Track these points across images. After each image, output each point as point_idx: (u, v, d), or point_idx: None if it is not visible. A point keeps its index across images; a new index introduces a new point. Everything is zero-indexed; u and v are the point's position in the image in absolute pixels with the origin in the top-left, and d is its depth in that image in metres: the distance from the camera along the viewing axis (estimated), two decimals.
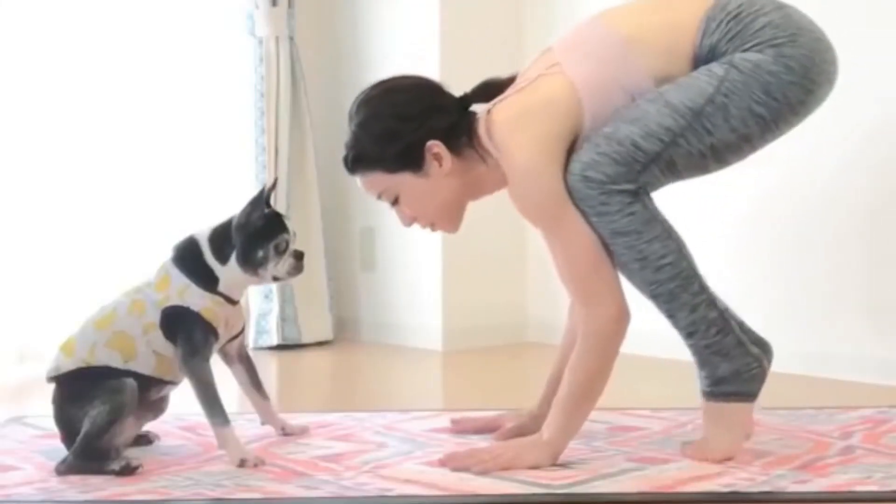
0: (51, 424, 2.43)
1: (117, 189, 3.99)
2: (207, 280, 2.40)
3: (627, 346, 3.78)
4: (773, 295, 3.49)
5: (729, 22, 2.27)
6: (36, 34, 3.82)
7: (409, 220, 2.47)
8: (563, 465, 2.29)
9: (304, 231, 4.23)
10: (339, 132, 4.42)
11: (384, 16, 4.28)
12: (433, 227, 2.50)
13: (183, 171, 4.08)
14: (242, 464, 2.33)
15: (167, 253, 2.46)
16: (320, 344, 4.25)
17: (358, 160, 2.42)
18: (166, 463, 2.39)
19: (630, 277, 2.30)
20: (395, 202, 2.44)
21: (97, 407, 2.31)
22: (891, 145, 3.29)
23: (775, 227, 3.50)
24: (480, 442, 2.53)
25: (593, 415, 2.71)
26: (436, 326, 4.12)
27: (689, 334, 2.30)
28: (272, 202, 2.50)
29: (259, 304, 4.20)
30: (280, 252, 2.42)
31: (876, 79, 3.28)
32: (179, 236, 2.48)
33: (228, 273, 2.42)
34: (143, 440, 2.53)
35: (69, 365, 2.38)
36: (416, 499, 2.14)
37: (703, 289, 2.30)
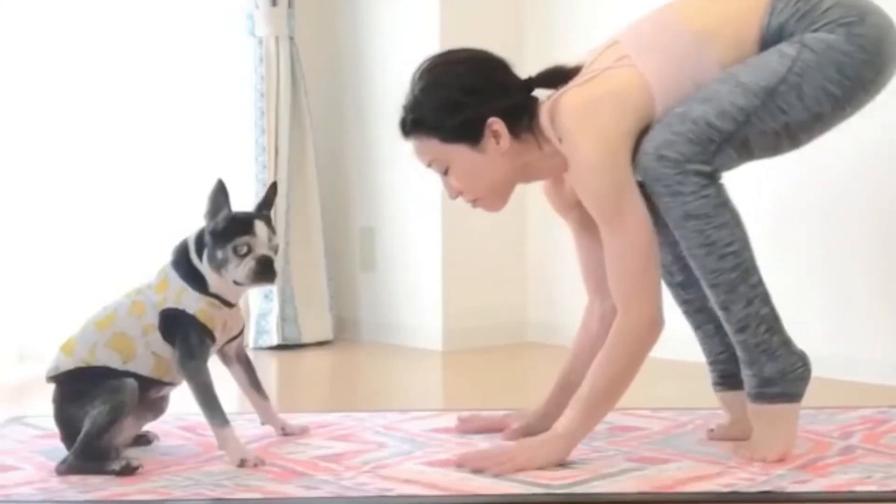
0: (51, 424, 2.44)
1: (117, 189, 3.99)
2: (200, 282, 2.40)
3: None
4: (773, 295, 3.48)
5: (798, 2, 2.28)
6: (36, 35, 3.82)
7: (455, 193, 2.43)
8: (564, 465, 2.28)
9: (304, 231, 4.24)
10: (340, 132, 4.45)
11: (384, 16, 4.28)
12: (477, 202, 2.45)
13: (183, 171, 4.08)
14: (242, 464, 2.33)
15: (167, 256, 2.47)
16: (320, 344, 4.25)
17: (417, 124, 2.38)
18: (166, 463, 2.39)
19: (694, 263, 2.29)
20: (445, 172, 2.41)
21: (97, 406, 2.31)
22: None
23: (775, 228, 3.50)
24: (482, 442, 2.52)
25: None
26: (436, 326, 4.12)
27: (740, 329, 2.29)
28: (265, 204, 2.49)
29: (259, 304, 4.20)
30: (240, 255, 2.36)
31: None
32: (178, 237, 2.48)
33: (211, 274, 2.41)
34: (143, 440, 2.53)
35: (69, 364, 2.38)
36: (416, 499, 2.14)
37: (761, 283, 2.30)
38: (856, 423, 2.65)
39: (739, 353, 2.33)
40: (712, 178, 2.26)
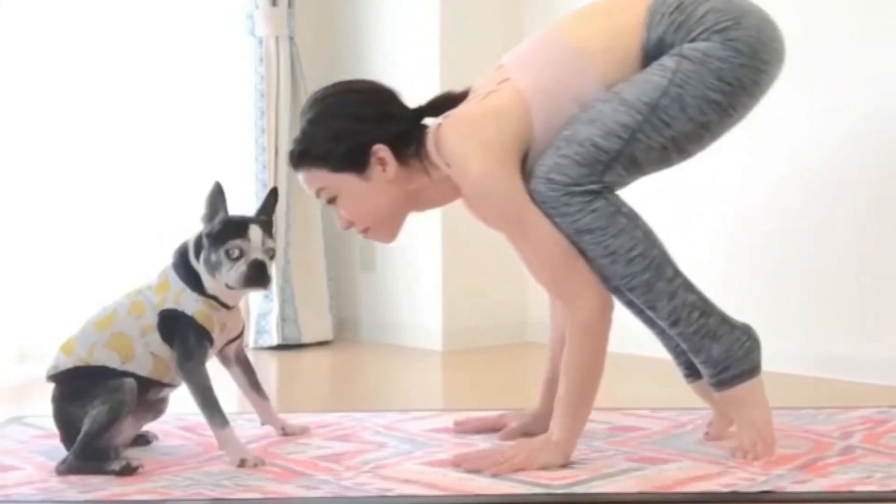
0: (51, 424, 2.44)
1: (117, 189, 3.99)
2: (198, 284, 2.41)
3: (626, 346, 3.79)
4: (772, 295, 3.49)
5: (672, 13, 2.29)
6: (36, 35, 3.83)
7: (345, 223, 2.44)
8: (563, 465, 2.28)
9: (304, 231, 4.24)
10: None
11: (384, 16, 4.28)
12: (367, 233, 2.46)
13: (183, 172, 4.08)
14: (243, 464, 2.33)
15: (169, 257, 2.47)
16: (320, 344, 4.25)
17: (304, 155, 2.40)
18: (166, 463, 2.39)
19: (602, 274, 2.30)
20: (331, 201, 2.42)
21: (97, 406, 2.31)
22: (893, 143, 3.29)
23: (775, 228, 3.50)
24: (482, 442, 2.53)
25: (593, 415, 2.70)
26: (436, 326, 4.12)
27: (673, 323, 2.31)
28: (264, 209, 2.50)
29: (259, 304, 4.20)
30: (232, 258, 2.37)
31: (874, 72, 3.28)
32: (179, 238, 2.48)
33: (207, 276, 2.41)
34: (141, 440, 2.53)
35: (67, 364, 2.39)
36: (416, 499, 2.14)
37: (678, 273, 2.30)
38: (856, 423, 2.65)
39: (683, 345, 2.34)
40: (598, 193, 2.26)
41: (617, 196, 2.30)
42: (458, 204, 2.49)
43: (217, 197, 2.40)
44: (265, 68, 4.15)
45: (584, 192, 2.25)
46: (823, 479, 2.18)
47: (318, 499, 2.14)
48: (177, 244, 2.47)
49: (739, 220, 3.60)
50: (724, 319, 2.33)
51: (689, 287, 2.31)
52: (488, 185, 2.28)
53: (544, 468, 2.26)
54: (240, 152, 4.18)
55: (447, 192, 2.40)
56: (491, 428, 2.62)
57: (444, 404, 3.31)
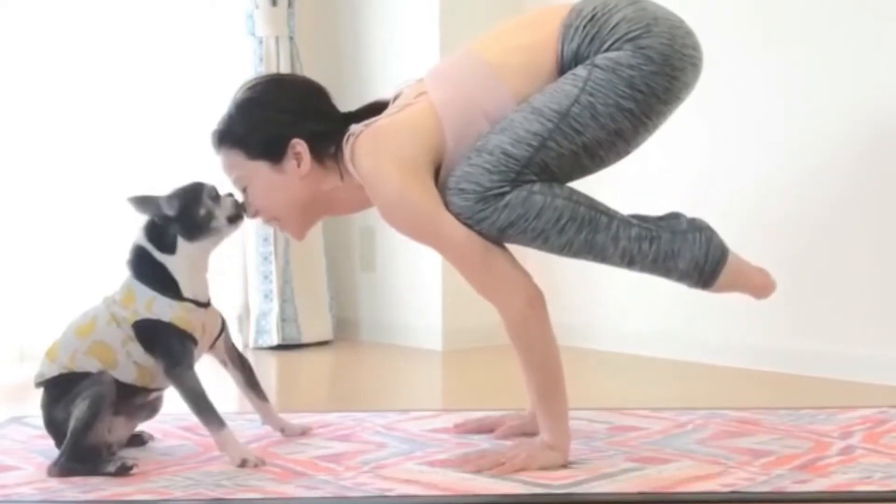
0: None
1: (117, 189, 3.99)
2: (170, 288, 2.39)
3: (626, 347, 3.78)
4: (772, 295, 3.48)
5: (586, 26, 2.29)
6: (36, 35, 3.82)
7: (252, 212, 2.47)
8: (563, 465, 2.28)
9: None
10: None
11: (384, 16, 4.28)
12: (277, 224, 2.49)
13: (183, 172, 4.07)
14: (244, 464, 2.33)
15: (124, 269, 2.46)
16: (320, 344, 4.25)
17: (223, 137, 2.44)
18: (166, 463, 2.39)
19: (544, 250, 2.30)
20: (244, 189, 2.45)
21: (78, 405, 2.31)
22: (893, 143, 3.30)
23: (775, 227, 3.50)
24: (482, 442, 2.53)
25: (593, 415, 2.71)
26: (436, 326, 4.12)
27: (629, 262, 2.29)
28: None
29: (259, 304, 4.20)
30: (215, 198, 2.43)
31: (877, 77, 3.29)
32: (126, 251, 2.47)
33: (180, 263, 2.41)
34: (137, 440, 2.53)
35: (53, 371, 2.38)
36: (416, 499, 2.14)
37: (612, 216, 2.28)
38: (856, 423, 2.65)
39: (654, 274, 2.32)
40: (508, 191, 2.25)
41: (525, 184, 2.27)
42: None
43: (190, 190, 2.44)
44: (265, 68, 4.15)
45: (496, 195, 2.25)
46: (823, 479, 2.18)
47: (318, 499, 2.14)
48: (125, 256, 2.46)
49: (739, 219, 3.60)
50: (672, 231, 2.30)
51: (628, 222, 2.29)
52: (399, 204, 2.29)
53: (545, 468, 2.26)
54: None
55: (360, 199, 2.40)
56: (491, 428, 2.62)
57: (444, 404, 3.31)
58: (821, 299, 3.43)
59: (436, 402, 3.35)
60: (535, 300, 2.31)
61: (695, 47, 2.32)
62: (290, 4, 4.21)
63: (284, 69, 4.16)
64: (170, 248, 2.41)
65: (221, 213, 2.44)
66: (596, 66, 2.26)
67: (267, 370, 3.77)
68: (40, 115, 3.84)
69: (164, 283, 2.40)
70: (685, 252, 2.29)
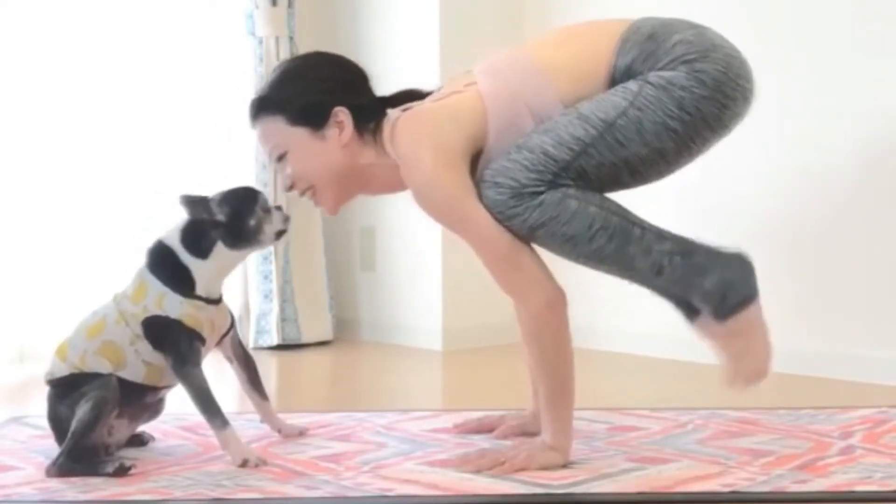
0: None
1: (117, 189, 3.99)
2: (184, 285, 2.39)
3: (626, 346, 3.79)
4: (772, 295, 3.48)
5: (643, 42, 2.29)
6: (37, 35, 3.82)
7: (289, 181, 2.45)
8: (563, 465, 2.28)
9: (304, 231, 4.24)
10: None
11: (384, 16, 4.28)
12: (312, 194, 2.45)
13: (183, 172, 4.08)
14: (245, 464, 2.33)
15: (140, 259, 2.45)
16: (320, 344, 4.25)
17: (264, 103, 2.44)
18: (166, 463, 2.39)
19: (570, 258, 2.29)
20: (281, 158, 2.43)
21: (82, 406, 2.31)
22: (893, 143, 3.30)
23: (775, 227, 3.50)
24: (483, 442, 2.53)
25: (593, 415, 2.71)
26: (436, 326, 4.12)
27: (657, 273, 2.26)
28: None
29: (259, 304, 4.20)
30: (267, 210, 2.44)
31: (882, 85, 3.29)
32: (148, 242, 2.46)
33: (210, 267, 2.40)
34: (137, 440, 2.53)
35: (63, 370, 2.39)
36: (416, 499, 2.14)
37: (645, 229, 2.27)
38: (856, 423, 2.65)
39: (677, 291, 2.30)
40: (543, 192, 2.24)
41: (562, 187, 2.26)
42: None
43: (245, 199, 2.44)
44: (265, 68, 4.15)
45: (531, 193, 2.24)
46: (823, 479, 2.18)
47: (318, 499, 2.14)
48: (149, 245, 2.45)
49: (740, 219, 3.60)
50: (710, 252, 2.28)
51: (661, 236, 2.27)
52: (432, 189, 2.29)
53: (545, 468, 2.26)
54: (239, 152, 4.17)
55: (395, 180, 2.38)
56: (491, 428, 2.62)
57: (444, 404, 3.31)
58: (821, 299, 3.43)
59: (436, 402, 3.35)
60: (556, 303, 2.29)
61: (749, 79, 2.31)
62: (290, 4, 4.21)
63: None
64: (204, 253, 2.41)
65: (270, 228, 2.44)
66: (648, 82, 2.25)
67: (267, 370, 3.76)
68: (40, 114, 3.84)
69: (180, 281, 2.39)
70: (716, 272, 2.26)
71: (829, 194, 3.41)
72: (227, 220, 2.40)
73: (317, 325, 4.26)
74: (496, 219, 2.27)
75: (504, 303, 4.40)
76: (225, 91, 4.20)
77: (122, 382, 2.37)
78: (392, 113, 2.40)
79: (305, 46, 4.28)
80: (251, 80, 4.17)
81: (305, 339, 4.22)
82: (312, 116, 2.38)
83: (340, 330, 4.38)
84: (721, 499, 2.10)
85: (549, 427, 2.31)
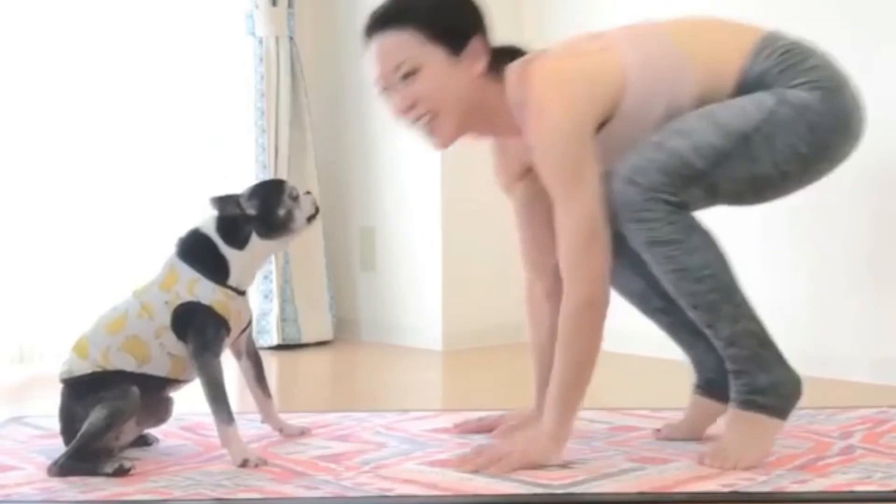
0: (50, 424, 2.44)
1: (117, 189, 3.99)
2: (218, 273, 2.40)
3: (625, 346, 3.78)
4: (772, 295, 3.48)
5: (782, 54, 2.26)
6: (37, 35, 3.82)
7: (408, 101, 2.31)
8: (563, 465, 2.28)
9: (305, 231, 4.24)
10: (340, 132, 4.45)
11: None
12: (430, 119, 2.33)
13: (183, 172, 4.08)
14: (245, 464, 2.33)
15: (170, 248, 2.45)
16: (320, 344, 4.25)
17: (403, 13, 2.30)
18: (166, 463, 2.39)
19: (669, 287, 2.26)
20: (408, 75, 2.30)
21: (98, 411, 2.30)
22: (893, 146, 3.30)
23: (775, 227, 3.50)
24: (483, 442, 2.52)
25: (593, 415, 2.71)
26: (436, 326, 4.12)
27: (730, 343, 2.25)
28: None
29: (259, 304, 4.20)
30: (295, 198, 2.45)
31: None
32: (181, 231, 2.47)
33: (246, 257, 2.41)
34: (141, 441, 2.52)
35: (84, 368, 2.37)
36: (416, 499, 2.14)
37: (745, 301, 2.25)
38: (856, 423, 2.65)
39: (730, 365, 2.28)
40: (680, 207, 2.22)
41: (695, 216, 2.25)
42: (457, 204, 2.49)
43: (272, 190, 2.46)
44: (265, 68, 4.15)
45: (666, 201, 2.20)
46: (823, 479, 2.18)
47: (318, 499, 2.14)
48: (182, 234, 2.46)
49: (740, 219, 3.60)
50: (781, 359, 2.28)
51: (753, 317, 2.26)
52: (557, 138, 2.23)
53: (541, 461, 2.25)
54: (239, 152, 4.18)
55: (512, 126, 2.33)
56: (491, 428, 2.62)
57: (444, 404, 3.31)
58: (821, 299, 3.43)
59: (436, 402, 3.35)
60: (597, 302, 2.25)
61: (865, 122, 2.32)
62: (290, 4, 4.21)
63: (284, 69, 4.17)
64: (241, 244, 2.42)
65: (301, 214, 2.45)
66: (785, 100, 2.22)
67: (267, 370, 3.73)
68: (39, 115, 3.84)
69: (214, 268, 2.40)
70: (774, 376, 2.26)
71: (830, 193, 3.40)
72: (258, 213, 2.41)
73: (317, 325, 4.26)
74: (624, 218, 2.22)
75: (504, 303, 4.41)
76: (225, 91, 4.20)
77: (144, 378, 2.36)
78: (513, 63, 2.34)
79: (305, 46, 4.29)
80: (251, 80, 4.17)
81: (305, 339, 4.22)
82: (455, 38, 2.30)
83: (340, 330, 4.38)
84: (721, 499, 2.10)
85: (552, 414, 2.27)
